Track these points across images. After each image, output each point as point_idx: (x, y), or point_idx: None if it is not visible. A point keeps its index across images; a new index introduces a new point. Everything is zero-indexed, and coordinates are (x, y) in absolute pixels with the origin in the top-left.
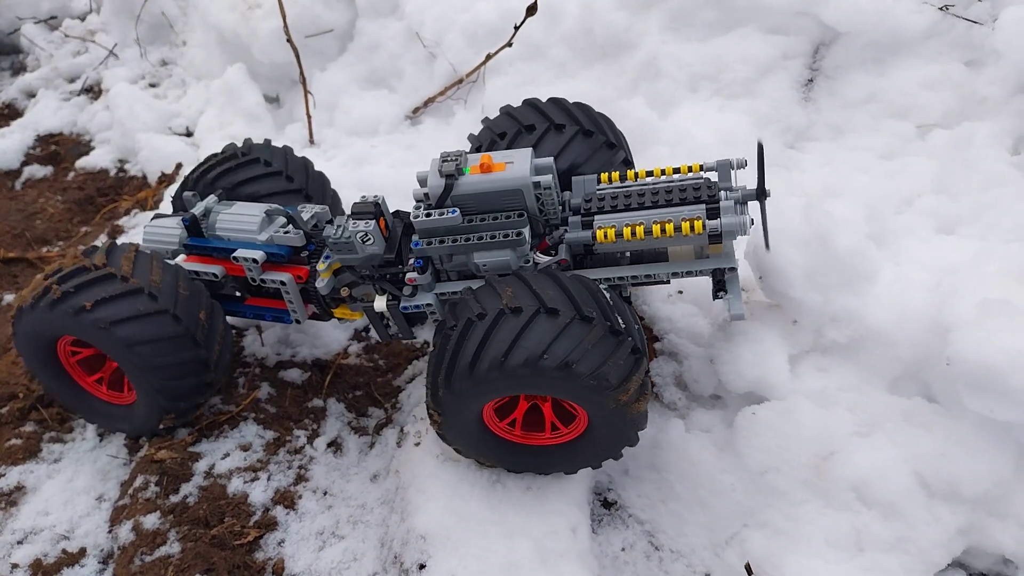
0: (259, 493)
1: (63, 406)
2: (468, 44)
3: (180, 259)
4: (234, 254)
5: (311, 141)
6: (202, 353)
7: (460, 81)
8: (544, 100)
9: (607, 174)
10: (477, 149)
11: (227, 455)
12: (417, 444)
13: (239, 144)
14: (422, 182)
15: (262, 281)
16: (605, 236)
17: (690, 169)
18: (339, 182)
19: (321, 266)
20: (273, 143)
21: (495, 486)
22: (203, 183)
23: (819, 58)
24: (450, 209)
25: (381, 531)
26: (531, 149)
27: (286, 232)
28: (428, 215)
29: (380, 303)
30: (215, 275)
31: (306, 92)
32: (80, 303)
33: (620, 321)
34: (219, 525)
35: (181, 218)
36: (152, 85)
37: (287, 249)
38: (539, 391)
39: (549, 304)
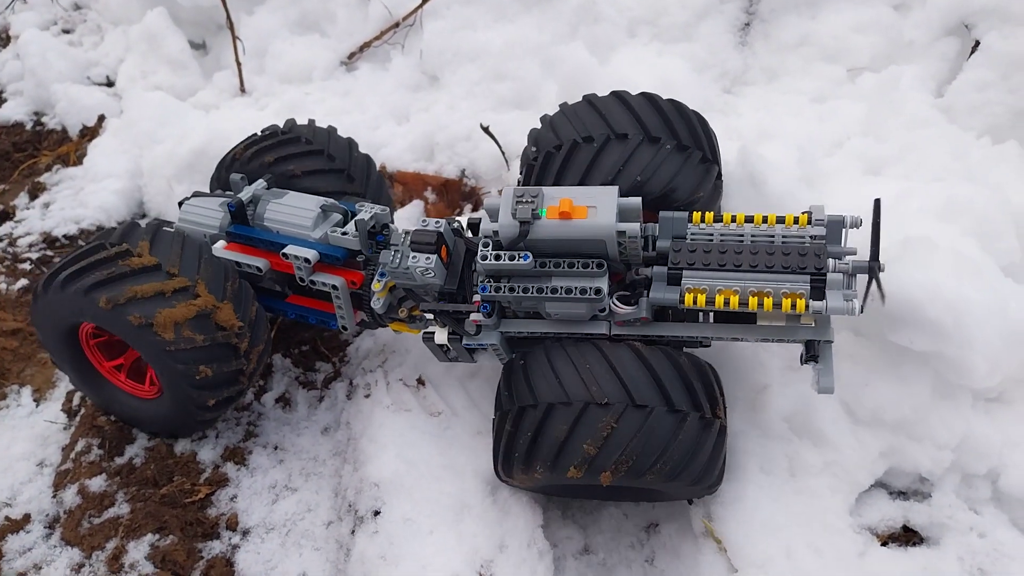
0: (208, 451)
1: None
2: None
3: (219, 246)
4: (284, 250)
5: (241, 89)
6: (241, 363)
7: (396, 25)
8: (602, 96)
9: (700, 213)
10: (528, 166)
11: None
12: (367, 396)
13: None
14: (491, 213)
15: (311, 282)
16: (695, 301)
17: (796, 220)
18: None
19: (376, 285)
20: (304, 122)
21: (445, 432)
22: (241, 161)
23: (755, 1)
24: (522, 254)
25: (334, 482)
26: (616, 190)
27: (344, 233)
28: (497, 257)
29: (441, 336)
30: (259, 269)
31: (234, 38)
32: (92, 279)
33: (707, 404)
34: (168, 484)
35: (226, 202)
36: (66, 31)
37: (343, 251)
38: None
39: (638, 400)
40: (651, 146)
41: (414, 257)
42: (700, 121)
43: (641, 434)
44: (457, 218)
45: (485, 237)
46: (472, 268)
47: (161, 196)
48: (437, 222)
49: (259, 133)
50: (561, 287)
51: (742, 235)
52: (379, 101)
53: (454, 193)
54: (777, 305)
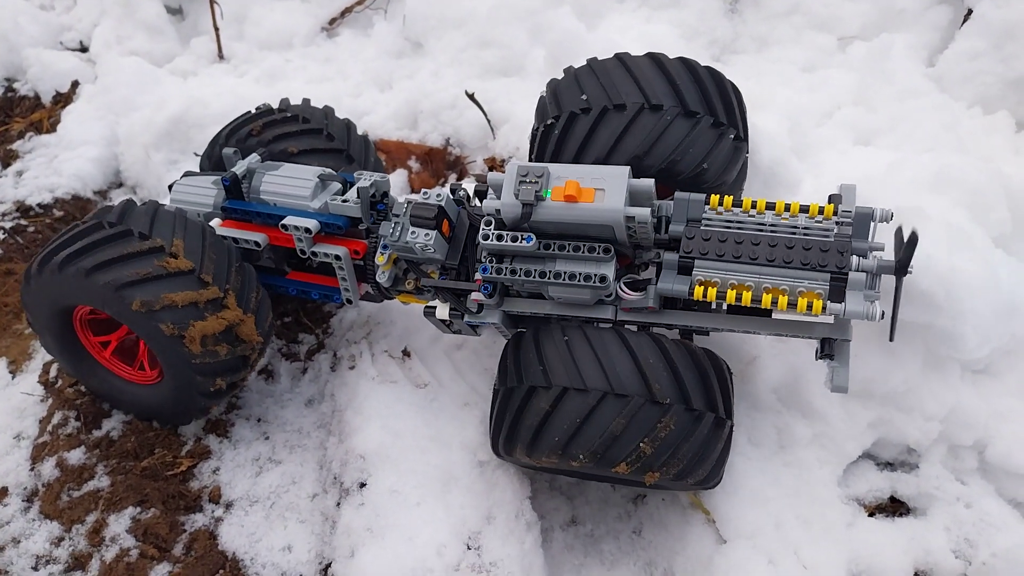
0: (190, 424)
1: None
2: None
3: (215, 223)
4: (283, 222)
5: (220, 56)
6: (244, 348)
7: None
8: (635, 56)
9: (718, 196)
10: (542, 128)
11: None
12: (352, 368)
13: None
14: (495, 189)
15: (312, 254)
16: (704, 295)
17: (821, 211)
18: (253, 100)
19: (380, 259)
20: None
21: (431, 404)
22: (235, 139)
23: None
24: (525, 236)
25: (319, 454)
26: (628, 171)
27: (344, 201)
28: (500, 237)
29: (443, 311)
30: (257, 244)
31: (212, 2)
32: (123, 278)
33: (722, 405)
34: (149, 457)
35: (220, 177)
36: None
37: (344, 220)
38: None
39: (658, 396)
40: (687, 121)
41: (413, 232)
42: (736, 95)
43: (656, 431)
44: (463, 186)
45: (487, 215)
46: (475, 243)
47: (138, 164)
48: (439, 194)
49: (253, 111)
50: (565, 272)
51: (761, 224)
52: (361, 68)
53: (438, 162)
54: (792, 305)
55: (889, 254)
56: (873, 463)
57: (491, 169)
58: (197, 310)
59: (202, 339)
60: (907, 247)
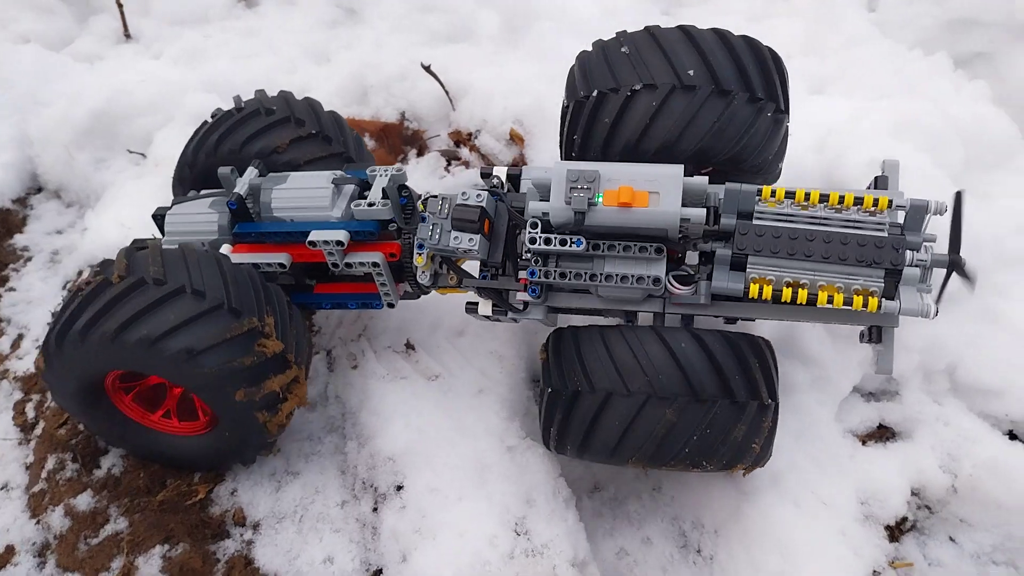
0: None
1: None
2: None
3: (225, 249)
4: (310, 238)
5: (126, 35)
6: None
7: None
8: (665, 29)
9: (770, 189)
10: (573, 106)
11: None
12: (355, 367)
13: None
14: (540, 189)
15: (347, 265)
16: (760, 293)
17: (875, 203)
18: (180, 85)
19: (419, 260)
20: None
21: (447, 395)
22: (205, 150)
23: None
24: (575, 240)
25: (338, 460)
26: (681, 171)
27: (371, 205)
28: (547, 241)
29: (485, 308)
30: (281, 265)
31: None
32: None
33: (765, 389)
34: (163, 490)
35: (219, 200)
36: None
37: (375, 224)
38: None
39: (701, 395)
40: (720, 100)
41: (456, 237)
42: (776, 63)
43: (702, 429)
44: (495, 174)
45: (533, 218)
46: (516, 234)
47: (60, 165)
48: (479, 195)
49: (210, 120)
50: (616, 274)
51: (814, 218)
52: (292, 40)
53: (395, 137)
54: (848, 303)
55: (942, 244)
56: (860, 396)
57: (457, 144)
58: (265, 371)
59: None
60: (953, 222)
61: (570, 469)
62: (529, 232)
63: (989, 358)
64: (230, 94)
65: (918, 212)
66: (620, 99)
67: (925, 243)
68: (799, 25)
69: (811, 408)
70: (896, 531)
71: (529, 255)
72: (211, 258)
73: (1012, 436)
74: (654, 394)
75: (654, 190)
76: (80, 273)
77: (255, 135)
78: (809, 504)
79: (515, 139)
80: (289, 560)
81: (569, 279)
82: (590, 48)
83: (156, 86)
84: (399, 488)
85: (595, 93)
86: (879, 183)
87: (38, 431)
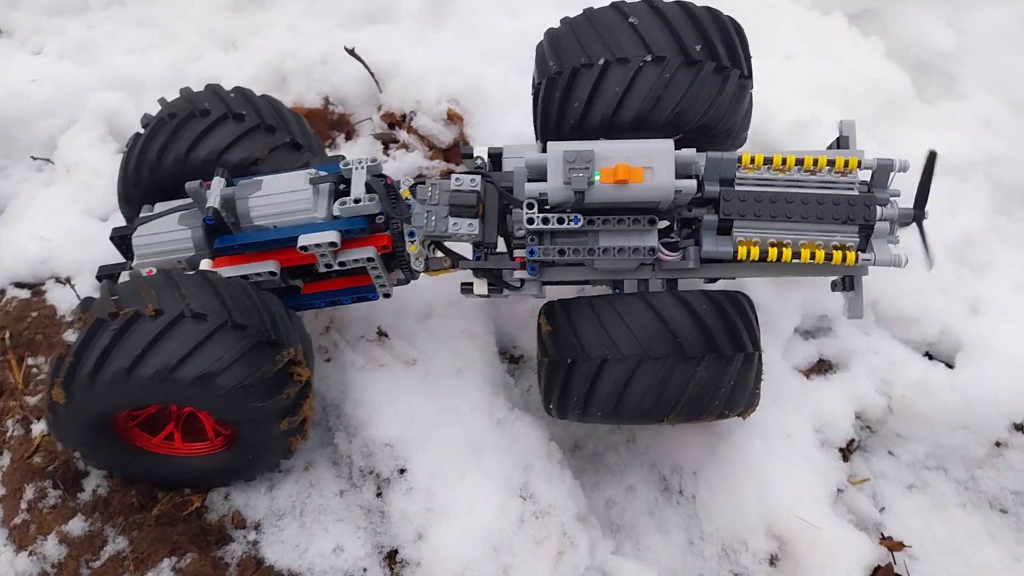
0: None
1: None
2: None
3: (205, 264)
4: (301, 244)
5: None
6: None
7: None
8: (631, 4)
9: (749, 155)
10: (544, 83)
11: None
12: (328, 360)
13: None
14: (533, 170)
15: (340, 264)
16: (748, 255)
17: (846, 164)
18: (78, 83)
19: (412, 248)
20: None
21: (427, 378)
22: (148, 165)
23: None
24: (572, 217)
25: (328, 452)
26: (672, 144)
27: (356, 201)
28: (545, 220)
29: (481, 288)
30: (272, 273)
31: None
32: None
33: (748, 340)
34: (156, 504)
35: (186, 214)
36: None
37: (364, 220)
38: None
39: (689, 352)
40: (689, 70)
41: (455, 223)
42: (737, 31)
43: (693, 384)
44: (478, 156)
45: (530, 199)
46: (507, 213)
47: None
48: (472, 179)
49: (143, 130)
50: (613, 247)
51: (791, 181)
52: (192, 28)
53: (320, 123)
54: (828, 258)
55: (908, 200)
56: (800, 335)
57: (391, 126)
58: (282, 380)
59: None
60: (922, 180)
61: (552, 432)
62: (527, 213)
63: (904, 291)
64: (135, 89)
65: (884, 170)
66: (593, 74)
67: (892, 199)
68: None
69: (764, 350)
70: (847, 452)
71: (524, 234)
72: (201, 278)
73: (929, 356)
74: (646, 356)
75: (648, 165)
76: (3, 292)
77: (197, 140)
78: (774, 437)
79: (453, 118)
80: (299, 554)
81: (568, 255)
82: (557, 24)
83: (51, 86)
84: (402, 471)
85: (568, 70)
86: (840, 143)
87: (3, 463)
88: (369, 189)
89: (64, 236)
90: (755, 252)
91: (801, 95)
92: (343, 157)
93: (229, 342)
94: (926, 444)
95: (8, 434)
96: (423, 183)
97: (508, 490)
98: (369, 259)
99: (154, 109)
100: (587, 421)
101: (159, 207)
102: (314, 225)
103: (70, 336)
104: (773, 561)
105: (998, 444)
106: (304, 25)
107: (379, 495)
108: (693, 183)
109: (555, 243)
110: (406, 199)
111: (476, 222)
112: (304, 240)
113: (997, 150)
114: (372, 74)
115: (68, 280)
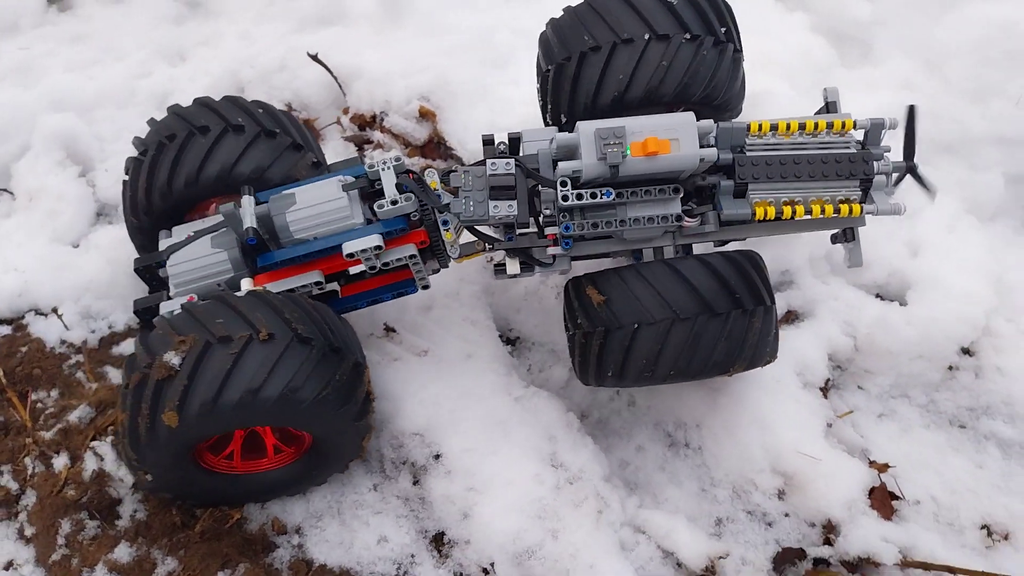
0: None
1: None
2: None
3: (246, 283)
4: (347, 251)
5: None
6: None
7: None
8: None
9: (757, 123)
10: (553, 69)
11: None
12: None
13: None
14: (564, 149)
15: (384, 264)
16: (765, 214)
17: (843, 125)
18: (23, 107)
19: (449, 236)
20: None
21: (441, 366)
22: (159, 191)
23: None
24: (605, 191)
25: None
26: (692, 116)
27: (394, 203)
28: (580, 196)
29: (514, 267)
30: (318, 283)
31: None
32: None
33: (766, 295)
34: (198, 521)
35: (218, 236)
36: None
37: (403, 220)
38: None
39: (717, 310)
40: (691, 45)
41: (496, 206)
42: (728, 9)
43: (723, 339)
44: (500, 142)
45: (563, 176)
46: (535, 194)
47: None
48: (507, 163)
49: (140, 155)
50: (643, 217)
51: (796, 144)
52: (134, 43)
53: None
54: (836, 212)
55: (897, 154)
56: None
57: (362, 127)
58: (353, 383)
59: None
60: (907, 132)
61: (568, 404)
62: (561, 190)
63: None
64: (84, 109)
65: (877, 128)
66: (602, 56)
67: (884, 154)
68: None
69: None
70: (825, 391)
71: (554, 212)
72: (260, 296)
73: (880, 297)
74: (677, 318)
75: (674, 137)
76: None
77: (206, 159)
78: (765, 384)
79: (426, 115)
80: (345, 550)
81: (601, 228)
82: (560, 14)
83: (5, 111)
84: (437, 456)
85: (577, 55)
86: (829, 108)
87: (27, 502)
88: (401, 188)
89: (38, 266)
90: (771, 212)
91: (751, 70)
92: (358, 159)
93: (300, 356)
94: (890, 376)
95: (29, 472)
96: (455, 171)
97: (539, 460)
98: (411, 256)
99: (107, 128)
100: (624, 386)
101: (179, 232)
102: (354, 231)
103: (172, 359)
104: (781, 495)
105: (951, 368)
106: (257, 32)
107: (416, 483)
108: (714, 151)
109: (586, 218)
110: (435, 190)
111: (515, 203)
112: (349, 247)
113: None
114: (335, 78)
115: (55, 310)
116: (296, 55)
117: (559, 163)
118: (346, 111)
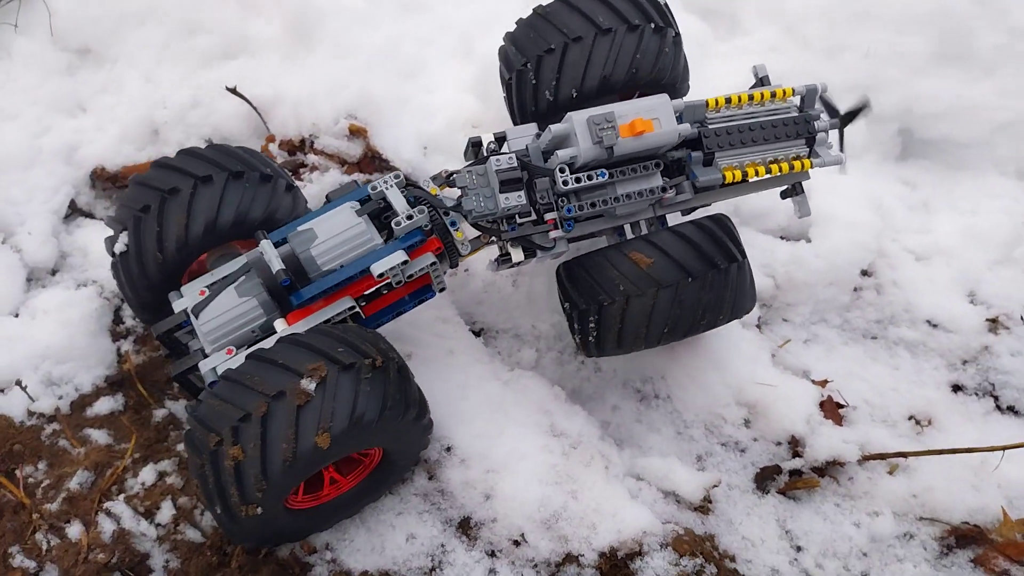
0: None
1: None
2: None
3: (280, 325)
4: (377, 271)
5: None
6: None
7: None
8: None
9: (713, 99)
10: (515, 75)
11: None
12: None
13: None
14: (561, 140)
15: (408, 277)
16: (734, 177)
17: (784, 93)
18: None
19: (459, 235)
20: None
21: (427, 364)
22: (153, 262)
23: None
24: (599, 172)
25: None
26: (667, 98)
27: (409, 218)
28: (578, 179)
29: (518, 255)
30: (351, 308)
31: None
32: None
33: (738, 253)
34: (231, 557)
35: (249, 282)
36: None
37: (420, 232)
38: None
39: (694, 273)
40: (634, 34)
41: (507, 198)
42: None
43: (705, 299)
44: (490, 141)
45: (562, 163)
46: (532, 183)
47: None
48: (509, 157)
49: (121, 231)
50: (633, 192)
51: (748, 113)
52: (24, 99)
53: None
54: (791, 168)
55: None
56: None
57: (292, 152)
58: (410, 390)
59: None
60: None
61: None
62: (560, 176)
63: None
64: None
65: (812, 93)
66: (556, 56)
67: (821, 114)
68: None
69: None
70: (759, 327)
71: (548, 198)
72: (317, 331)
73: (784, 239)
74: (660, 286)
75: (654, 117)
76: None
77: (188, 220)
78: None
79: (356, 132)
80: (379, 554)
81: (598, 206)
82: (513, 27)
83: None
84: (448, 449)
85: (534, 59)
86: (763, 82)
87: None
88: (412, 204)
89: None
90: (738, 175)
91: None
92: (354, 184)
93: (355, 381)
94: (809, 304)
95: (43, 547)
96: (457, 173)
97: (543, 433)
98: (431, 263)
99: (18, 192)
100: (624, 352)
101: (189, 291)
102: (376, 252)
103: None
104: (747, 424)
105: (856, 289)
106: (160, 74)
107: (431, 478)
108: (687, 126)
109: (582, 199)
110: (436, 196)
111: (523, 193)
112: (379, 267)
113: (783, 67)
114: (255, 107)
115: (19, 383)
116: (207, 91)
117: (556, 151)
118: (271, 139)
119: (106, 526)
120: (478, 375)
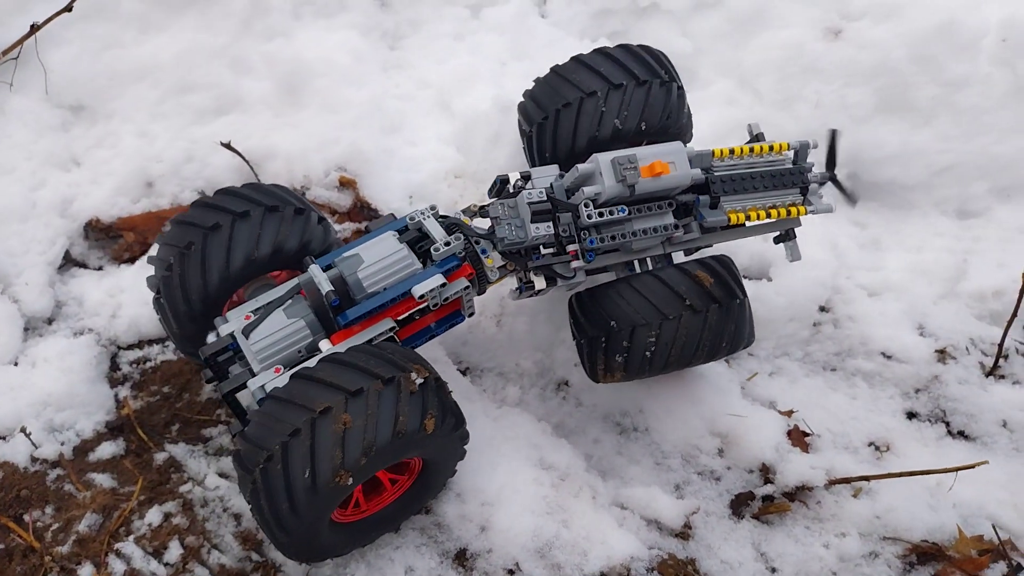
0: (230, 557)
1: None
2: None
3: (324, 345)
4: (419, 293)
5: None
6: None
7: None
8: (587, 54)
9: (719, 149)
10: (535, 128)
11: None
12: None
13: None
14: (587, 178)
15: (444, 299)
16: (738, 219)
17: (780, 147)
18: None
19: (490, 261)
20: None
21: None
22: (197, 296)
23: None
24: (620, 208)
25: None
26: (681, 144)
27: (447, 244)
28: (600, 214)
29: (540, 283)
30: (392, 328)
31: None
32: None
33: (739, 290)
34: None
35: (296, 304)
36: None
37: (456, 258)
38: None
39: (696, 307)
40: (642, 88)
41: (537, 227)
42: (664, 57)
43: (706, 331)
44: (517, 180)
45: (587, 199)
46: (556, 216)
47: None
48: (540, 192)
49: (165, 270)
50: (649, 228)
51: (749, 163)
52: (20, 155)
53: None
54: (788, 213)
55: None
56: None
57: None
58: (450, 402)
59: None
60: (829, 149)
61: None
62: (585, 211)
63: None
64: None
65: (804, 148)
66: (573, 110)
67: (812, 167)
68: (503, 38)
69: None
70: (728, 361)
71: (577, 230)
72: (361, 350)
73: (747, 277)
74: (664, 318)
75: (671, 160)
76: None
77: (229, 254)
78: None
79: (346, 184)
80: None
81: (617, 239)
82: (531, 85)
83: None
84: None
85: (552, 113)
86: (758, 138)
87: None
88: (449, 231)
89: None
90: (741, 217)
91: None
92: (392, 216)
93: (395, 395)
94: (772, 340)
95: None
96: (491, 204)
97: (533, 466)
98: (465, 288)
99: (16, 243)
100: (630, 378)
101: (236, 315)
102: (416, 277)
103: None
104: (721, 453)
105: (815, 324)
106: (155, 129)
107: (427, 512)
108: (698, 171)
109: (603, 232)
110: (469, 226)
111: (551, 224)
112: (419, 290)
113: (740, 117)
114: (247, 161)
115: (23, 430)
116: (201, 145)
117: (583, 188)
118: None
119: (117, 566)
120: (468, 413)
